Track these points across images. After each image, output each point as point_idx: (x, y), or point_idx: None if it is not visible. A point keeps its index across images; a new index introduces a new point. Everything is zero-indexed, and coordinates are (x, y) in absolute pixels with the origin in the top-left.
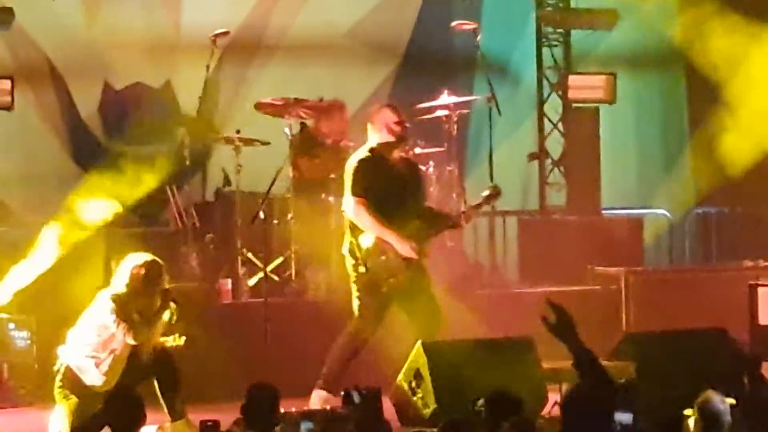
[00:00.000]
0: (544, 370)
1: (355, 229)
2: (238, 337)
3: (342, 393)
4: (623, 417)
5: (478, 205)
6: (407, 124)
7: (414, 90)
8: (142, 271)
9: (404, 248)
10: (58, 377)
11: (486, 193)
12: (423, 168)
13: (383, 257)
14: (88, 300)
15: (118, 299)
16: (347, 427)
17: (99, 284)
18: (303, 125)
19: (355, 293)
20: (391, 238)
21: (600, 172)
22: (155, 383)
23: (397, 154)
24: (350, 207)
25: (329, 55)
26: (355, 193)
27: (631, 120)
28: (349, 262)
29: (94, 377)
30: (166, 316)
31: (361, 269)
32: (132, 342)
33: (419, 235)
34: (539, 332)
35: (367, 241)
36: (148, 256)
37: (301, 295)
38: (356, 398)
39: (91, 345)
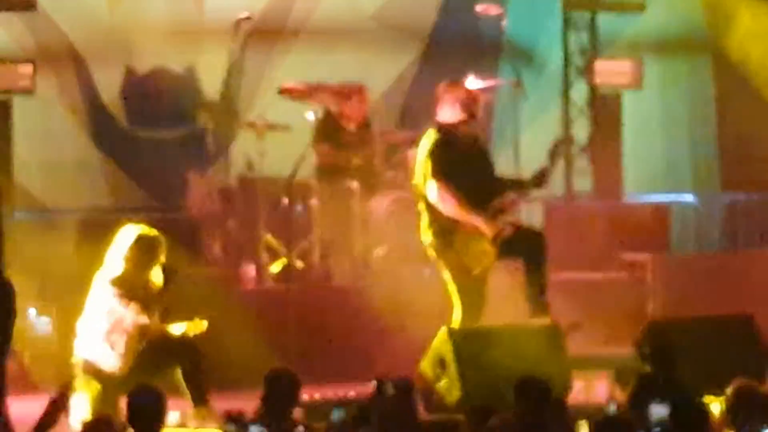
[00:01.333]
0: (570, 357)
1: (435, 213)
2: (261, 323)
3: (374, 382)
4: (659, 410)
5: (551, 163)
6: (479, 100)
7: (439, 75)
8: (137, 245)
9: (488, 229)
10: (78, 369)
11: (549, 149)
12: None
13: (472, 240)
14: None
15: (118, 281)
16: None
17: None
18: (326, 110)
19: (448, 280)
20: (476, 220)
21: (621, 158)
22: (178, 369)
23: (466, 130)
24: (432, 191)
25: (354, 39)
26: (435, 177)
27: (657, 105)
28: (435, 248)
29: (112, 361)
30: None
31: (450, 254)
32: (146, 321)
33: (497, 212)
34: (564, 318)
35: (453, 224)
36: (141, 228)
37: (325, 280)
38: (390, 389)
39: (102, 331)
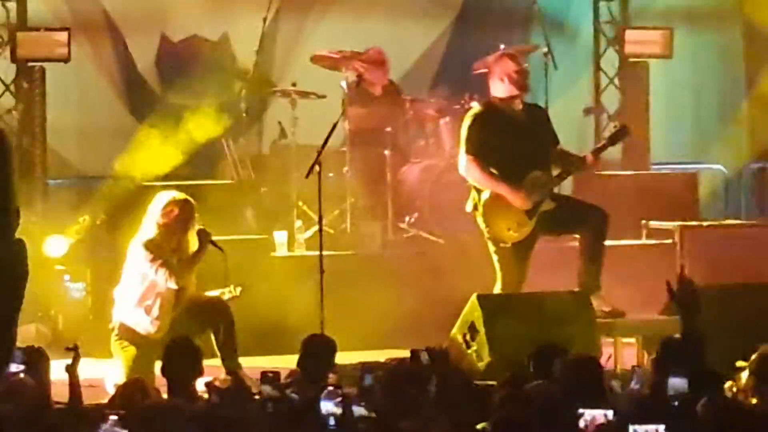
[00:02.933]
0: (599, 324)
1: (475, 186)
2: (293, 289)
3: (410, 352)
4: (678, 382)
5: (604, 146)
6: (528, 71)
7: (470, 44)
8: (170, 211)
9: (517, 199)
10: (114, 333)
11: (610, 133)
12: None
13: (500, 211)
14: None
15: (150, 244)
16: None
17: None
18: (359, 78)
19: (491, 250)
20: (502, 190)
21: (649, 128)
22: (211, 335)
23: (519, 103)
24: (461, 164)
25: (386, 7)
26: (465, 150)
27: (687, 75)
28: (475, 218)
29: (147, 324)
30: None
31: (483, 225)
32: (174, 286)
33: (539, 185)
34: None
35: (484, 196)
36: (174, 194)
37: (356, 247)
38: (425, 359)
39: (137, 295)
